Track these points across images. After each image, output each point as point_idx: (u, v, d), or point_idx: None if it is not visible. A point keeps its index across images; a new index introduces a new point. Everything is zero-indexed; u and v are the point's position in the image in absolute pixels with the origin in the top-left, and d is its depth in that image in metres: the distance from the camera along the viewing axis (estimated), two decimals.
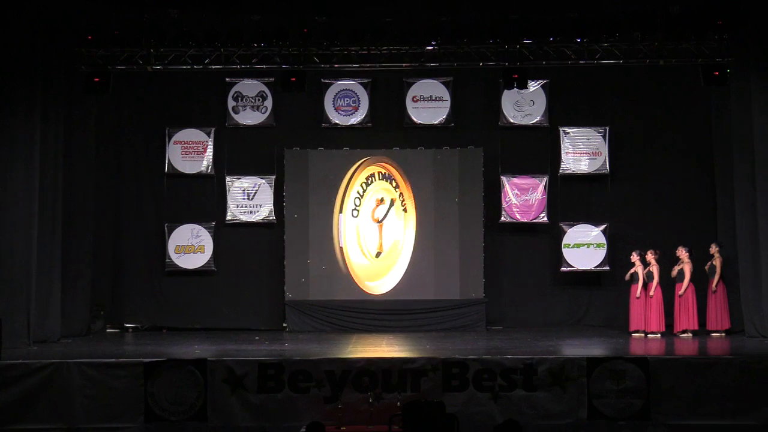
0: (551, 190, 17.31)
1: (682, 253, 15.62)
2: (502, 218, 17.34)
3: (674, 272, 15.67)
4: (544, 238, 17.54)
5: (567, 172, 17.38)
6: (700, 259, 15.77)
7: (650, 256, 15.69)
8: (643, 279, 15.60)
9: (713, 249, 15.72)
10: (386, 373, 11.98)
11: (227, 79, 17.49)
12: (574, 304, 17.53)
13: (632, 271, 15.76)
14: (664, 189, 17.38)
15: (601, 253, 17.06)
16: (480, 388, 11.94)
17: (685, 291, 15.43)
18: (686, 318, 15.46)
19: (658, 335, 15.41)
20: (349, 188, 17.28)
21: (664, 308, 15.60)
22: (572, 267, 17.21)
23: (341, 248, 17.21)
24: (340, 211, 17.23)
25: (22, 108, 14.56)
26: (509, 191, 17.30)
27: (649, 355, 12.45)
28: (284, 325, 17.12)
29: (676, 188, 17.38)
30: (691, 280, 15.54)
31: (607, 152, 17.32)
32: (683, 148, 17.42)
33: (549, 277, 17.57)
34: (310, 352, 13.33)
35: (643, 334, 15.46)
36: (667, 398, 11.87)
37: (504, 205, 17.31)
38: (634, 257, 15.78)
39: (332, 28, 15.49)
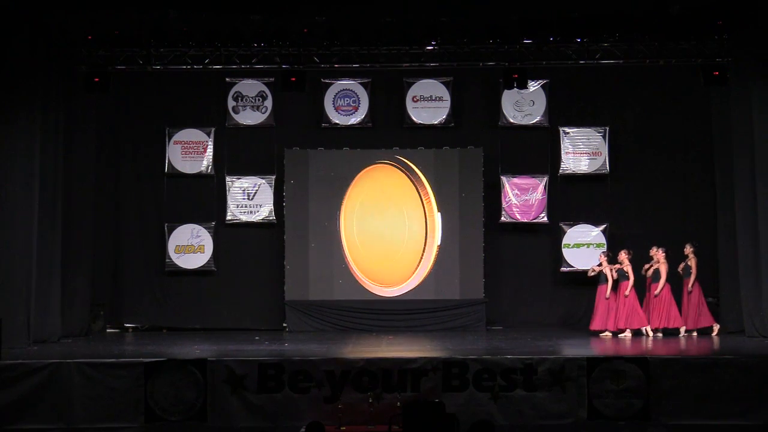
0: (551, 190, 17.31)
1: (658, 253, 15.64)
2: (502, 218, 17.34)
3: (649, 272, 15.66)
4: (544, 238, 17.54)
5: (567, 172, 17.39)
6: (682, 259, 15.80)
7: (623, 256, 15.72)
8: (613, 278, 15.60)
9: (688, 249, 15.73)
10: (386, 373, 11.96)
11: (227, 79, 17.49)
12: (574, 304, 17.51)
13: (598, 270, 15.77)
14: (664, 189, 17.38)
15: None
16: (480, 388, 11.93)
17: (660, 291, 15.44)
18: (667, 317, 15.44)
19: (629, 334, 15.43)
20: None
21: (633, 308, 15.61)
22: (572, 267, 17.22)
23: (439, 246, 17.23)
24: (438, 210, 17.28)
25: (23, 108, 14.54)
26: (509, 191, 17.30)
27: (649, 355, 12.45)
28: (284, 325, 17.12)
29: (676, 188, 17.40)
30: (655, 280, 15.58)
31: (607, 152, 17.33)
32: (683, 148, 17.43)
33: (549, 277, 17.58)
34: (310, 352, 13.32)
35: (609, 334, 15.50)
36: (667, 398, 11.86)
37: (504, 205, 17.31)
38: (602, 257, 15.82)
39: (332, 28, 15.52)
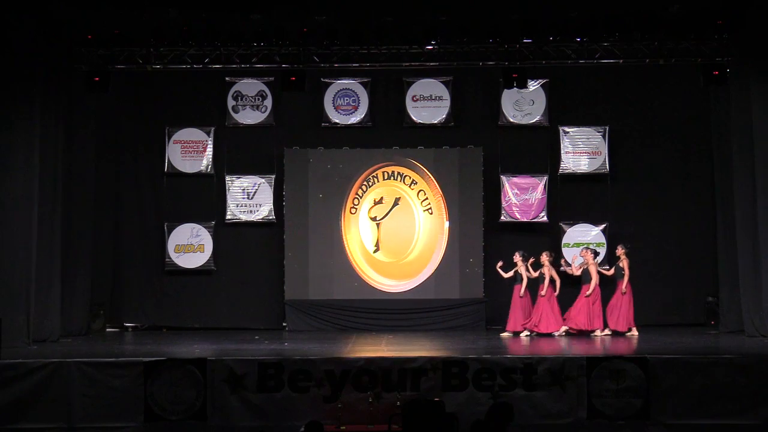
0: (551, 190, 17.31)
1: (588, 254, 15.75)
2: (502, 218, 17.34)
3: (578, 271, 15.77)
4: (544, 238, 17.50)
5: (567, 171, 17.39)
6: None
7: (544, 258, 15.78)
8: (528, 278, 15.67)
9: (620, 251, 15.76)
10: (386, 373, 11.98)
11: (227, 79, 17.49)
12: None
13: (515, 269, 15.79)
14: (664, 189, 17.38)
15: (600, 253, 17.03)
16: (480, 388, 11.95)
17: (592, 291, 15.47)
18: (598, 318, 15.53)
19: (529, 334, 15.50)
20: None
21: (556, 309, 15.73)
22: (572, 266, 17.20)
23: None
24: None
25: (23, 107, 14.54)
26: (509, 191, 17.30)
27: (650, 355, 12.45)
28: (284, 324, 17.13)
29: (676, 188, 17.39)
30: (586, 281, 15.69)
31: (606, 152, 17.33)
32: (683, 148, 17.43)
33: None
34: (310, 351, 13.32)
35: (510, 335, 15.60)
36: (667, 398, 11.87)
37: (504, 204, 17.31)
38: (517, 257, 15.82)
39: (332, 28, 15.51)
